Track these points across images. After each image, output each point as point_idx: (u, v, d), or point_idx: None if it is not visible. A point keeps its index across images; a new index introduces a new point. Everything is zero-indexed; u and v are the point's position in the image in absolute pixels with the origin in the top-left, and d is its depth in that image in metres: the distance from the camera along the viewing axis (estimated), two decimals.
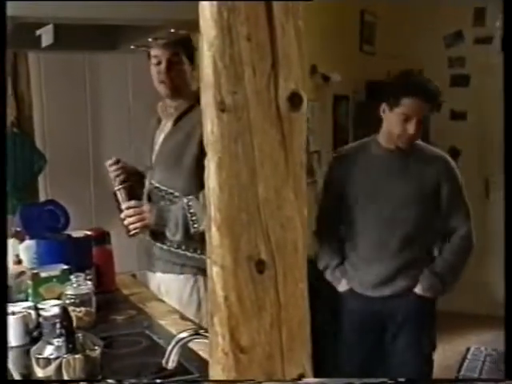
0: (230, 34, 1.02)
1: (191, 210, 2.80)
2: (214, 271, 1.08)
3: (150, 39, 2.39)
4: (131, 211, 2.93)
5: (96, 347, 2.05)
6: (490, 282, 6.04)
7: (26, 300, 2.68)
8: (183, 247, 2.92)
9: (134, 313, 2.76)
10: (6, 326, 1.59)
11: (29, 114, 3.51)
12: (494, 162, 6.22)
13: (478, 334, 5.71)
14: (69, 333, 2.01)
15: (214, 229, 1.07)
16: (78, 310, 2.52)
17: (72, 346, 1.99)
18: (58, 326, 2.06)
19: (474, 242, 3.23)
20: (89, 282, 2.60)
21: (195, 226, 2.80)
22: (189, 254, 2.92)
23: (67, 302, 2.51)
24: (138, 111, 4.02)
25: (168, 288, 2.95)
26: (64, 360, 1.98)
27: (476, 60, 6.15)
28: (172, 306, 2.84)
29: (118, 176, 3.01)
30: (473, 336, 5.68)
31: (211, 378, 1.11)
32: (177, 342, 1.66)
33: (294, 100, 1.04)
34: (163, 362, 1.67)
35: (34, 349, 2.04)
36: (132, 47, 2.40)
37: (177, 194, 2.90)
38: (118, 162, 3.05)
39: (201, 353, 2.15)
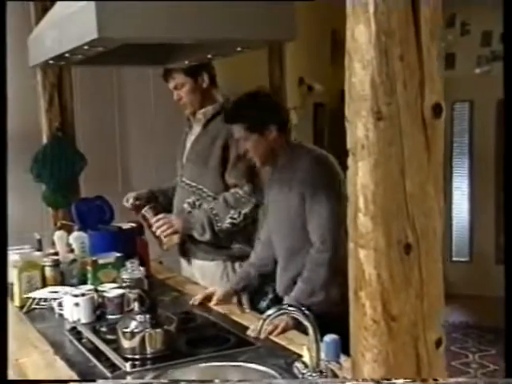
0: (386, 55, 1.07)
1: (214, 212, 2.83)
2: (362, 254, 1.12)
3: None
4: (161, 222, 2.91)
5: (172, 322, 2.08)
6: None
7: (79, 284, 2.68)
8: (213, 243, 2.94)
9: (177, 294, 2.78)
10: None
11: (71, 120, 3.49)
12: None
13: None
14: (153, 310, 2.03)
15: (364, 218, 1.12)
16: (134, 291, 2.52)
17: (155, 322, 2.01)
18: (136, 304, 2.09)
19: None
20: (141, 268, 2.59)
21: (218, 224, 2.83)
22: (218, 247, 2.94)
23: (123, 285, 2.52)
24: (159, 118, 4.05)
25: (203, 273, 2.97)
26: (147, 334, 1.99)
27: None
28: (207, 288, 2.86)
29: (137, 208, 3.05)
30: None
31: (355, 341, 1.16)
32: (268, 317, 1.69)
33: (437, 109, 1.09)
34: (256, 333, 1.71)
35: (120, 323, 2.06)
36: (186, 62, 2.42)
37: (205, 189, 2.93)
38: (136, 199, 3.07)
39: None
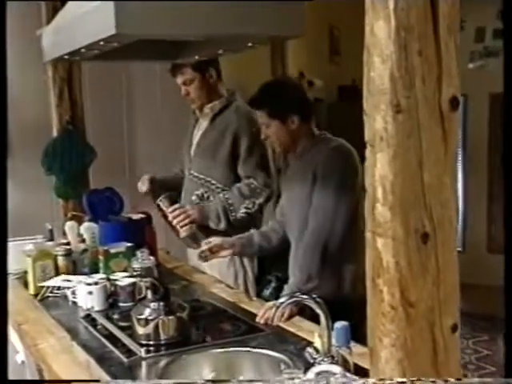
0: (405, 50, 1.07)
1: (229, 201, 2.83)
2: (380, 242, 1.13)
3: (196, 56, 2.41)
4: (177, 212, 2.88)
5: (184, 310, 2.08)
6: None
7: (91, 273, 2.68)
8: (223, 233, 2.92)
9: (186, 283, 2.78)
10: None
11: (81, 114, 3.49)
12: None
13: None
14: (166, 298, 2.03)
15: (382, 208, 1.12)
16: (144, 280, 2.52)
17: (168, 309, 2.02)
18: (149, 292, 2.09)
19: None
20: (151, 257, 2.59)
21: (233, 214, 2.83)
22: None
23: (134, 273, 2.52)
24: (165, 112, 4.05)
25: (210, 263, 2.95)
26: (160, 320, 2.00)
27: None
28: (215, 277, 2.86)
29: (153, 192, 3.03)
30: None
31: (372, 326, 1.16)
32: (281, 304, 1.69)
33: (454, 103, 1.09)
34: (270, 320, 1.71)
35: (134, 310, 2.06)
36: (196, 57, 2.41)
37: (213, 182, 2.92)
38: (151, 181, 3.06)
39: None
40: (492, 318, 4.66)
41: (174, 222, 2.87)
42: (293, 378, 1.34)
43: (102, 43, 1.79)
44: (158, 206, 2.98)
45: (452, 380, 1.11)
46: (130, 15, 1.63)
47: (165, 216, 2.95)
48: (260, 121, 2.49)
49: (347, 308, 1.95)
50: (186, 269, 3.04)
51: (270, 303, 2.18)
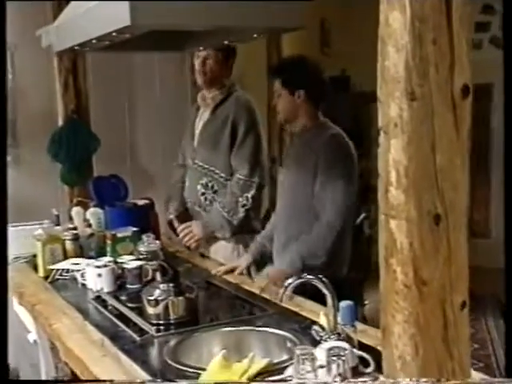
0: (419, 40, 1.07)
1: (226, 210, 2.82)
2: (393, 224, 1.13)
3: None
4: (183, 233, 2.94)
5: (192, 291, 2.09)
6: None
7: (97, 256, 2.68)
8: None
9: (190, 266, 2.78)
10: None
11: (85, 103, 3.47)
12: None
13: None
14: (176, 279, 2.04)
15: (396, 191, 1.12)
16: (150, 263, 2.52)
17: (178, 290, 2.02)
18: (158, 274, 2.09)
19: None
20: (157, 241, 2.59)
21: (234, 218, 2.82)
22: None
23: (140, 257, 2.52)
24: (165, 102, 4.04)
25: (215, 248, 2.96)
26: (170, 301, 2.00)
27: None
28: (218, 261, 2.86)
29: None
30: None
31: (385, 303, 1.17)
32: (289, 284, 1.70)
33: (465, 91, 1.10)
34: (278, 300, 1.72)
35: (144, 291, 2.07)
36: (201, 48, 2.40)
37: (217, 171, 2.91)
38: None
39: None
40: (475, 298, 4.70)
41: (183, 242, 2.94)
42: (305, 354, 1.34)
43: (114, 34, 1.78)
44: (170, 223, 3.05)
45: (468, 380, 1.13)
46: (143, 6, 1.63)
47: (175, 231, 3.01)
48: (274, 88, 2.54)
49: (344, 289, 1.97)
50: (189, 252, 3.03)
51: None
